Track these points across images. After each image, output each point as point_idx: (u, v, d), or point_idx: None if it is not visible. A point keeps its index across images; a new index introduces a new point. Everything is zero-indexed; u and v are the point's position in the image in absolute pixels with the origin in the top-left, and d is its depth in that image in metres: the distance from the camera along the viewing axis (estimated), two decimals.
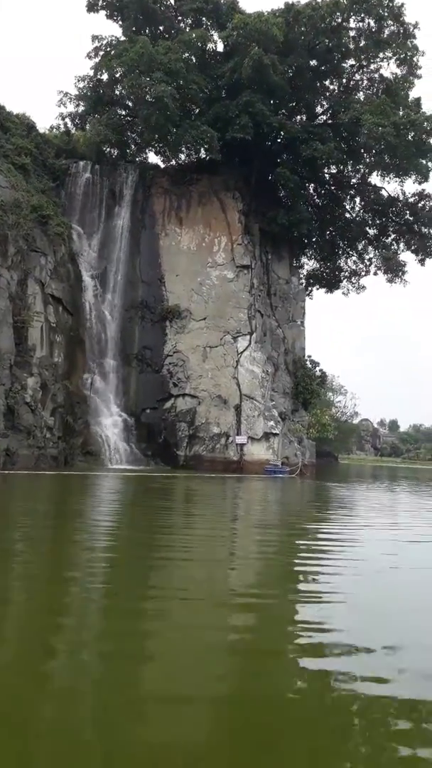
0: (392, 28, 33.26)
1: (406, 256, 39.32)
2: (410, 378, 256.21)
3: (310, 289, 44.01)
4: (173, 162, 36.55)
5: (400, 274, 36.14)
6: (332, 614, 5.79)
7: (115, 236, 33.20)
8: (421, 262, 37.50)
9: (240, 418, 30.91)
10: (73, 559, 8.15)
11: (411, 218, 37.34)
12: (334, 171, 38.93)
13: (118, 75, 34.05)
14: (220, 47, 35.47)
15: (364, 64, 36.55)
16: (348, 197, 40.68)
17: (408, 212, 37.35)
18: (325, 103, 37.67)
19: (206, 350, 31.75)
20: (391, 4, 31.64)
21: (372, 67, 36.64)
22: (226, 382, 31.31)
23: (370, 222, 40.49)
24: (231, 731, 3.46)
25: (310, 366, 37.31)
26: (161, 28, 36.07)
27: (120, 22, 35.62)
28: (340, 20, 32.53)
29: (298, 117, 38.08)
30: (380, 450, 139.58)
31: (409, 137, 31.94)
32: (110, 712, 3.64)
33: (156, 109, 29.82)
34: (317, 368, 37.81)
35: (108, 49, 33.89)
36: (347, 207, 40.55)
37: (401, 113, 30.93)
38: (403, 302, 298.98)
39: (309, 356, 38.54)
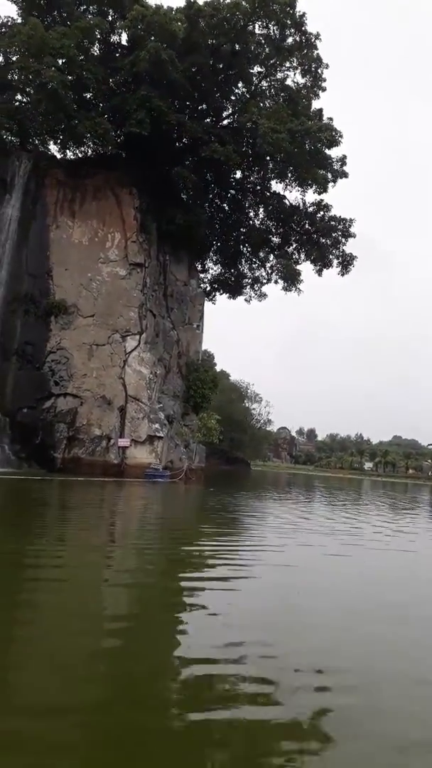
0: (295, 37, 33.42)
1: (308, 266, 39.75)
2: (331, 388, 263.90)
3: (214, 293, 43.74)
4: (71, 153, 35.32)
5: (296, 282, 36.29)
6: None
7: (2, 225, 31.48)
8: (319, 272, 37.99)
9: (124, 420, 29.89)
10: None
11: (310, 228, 37.71)
12: (239, 176, 38.81)
13: (15, 59, 32.62)
14: (127, 40, 34.63)
15: (271, 71, 36.72)
16: (253, 204, 40.71)
17: (308, 222, 37.70)
18: (230, 107, 37.48)
19: (92, 348, 30.56)
20: (292, 12, 31.75)
21: (279, 75, 36.89)
22: (111, 382, 30.22)
23: (273, 230, 40.69)
24: None
25: (203, 370, 36.79)
26: (64, 14, 34.71)
27: (20, 3, 34.02)
28: (242, 23, 32.30)
29: (207, 120, 37.70)
30: (295, 457, 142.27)
31: (307, 146, 32.24)
32: None
33: (45, 96, 28.51)
34: (210, 372, 37.33)
35: (2, 30, 32.28)
36: (251, 214, 40.56)
37: (298, 121, 31.00)
38: (327, 311, 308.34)
39: (201, 359, 38.03)
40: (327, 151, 33.08)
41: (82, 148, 35.80)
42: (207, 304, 41.80)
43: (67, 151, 35.93)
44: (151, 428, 30.07)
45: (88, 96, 32.89)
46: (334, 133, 31.62)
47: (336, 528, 16.22)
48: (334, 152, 34.76)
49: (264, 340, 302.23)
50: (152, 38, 30.37)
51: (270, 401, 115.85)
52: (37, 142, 36.28)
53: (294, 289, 36.66)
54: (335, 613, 6.99)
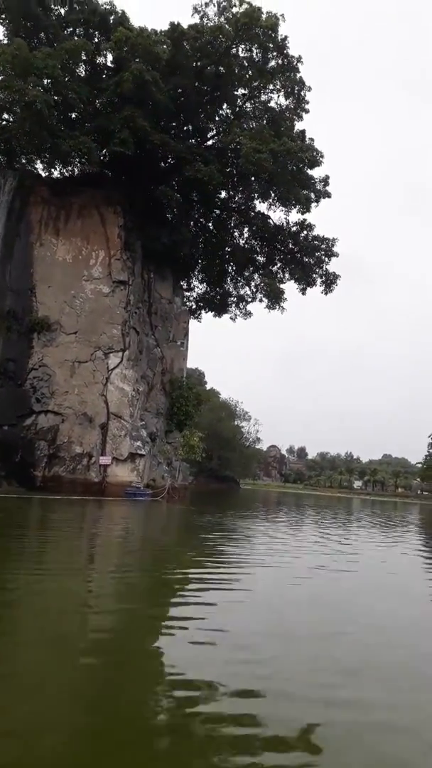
0: (278, 60, 33.98)
1: (293, 285, 39.86)
2: (322, 407, 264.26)
3: (199, 312, 43.83)
4: (57, 173, 35.60)
5: (279, 301, 36.53)
6: None
7: None
8: (303, 291, 38.16)
9: (105, 438, 29.67)
10: None
11: (294, 247, 37.98)
12: (224, 196, 39.13)
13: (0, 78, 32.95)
14: (112, 62, 35.10)
15: (255, 94, 37.23)
16: (238, 223, 41.00)
17: (291, 242, 37.98)
18: (215, 128, 37.92)
19: (75, 365, 30.44)
20: (274, 35, 32.31)
21: (263, 98, 37.39)
22: (93, 399, 30.06)
23: (258, 249, 40.93)
24: None
25: (187, 387, 36.72)
26: (51, 36, 35.15)
27: (6, 25, 34.46)
28: (225, 46, 32.82)
29: (192, 140, 38.08)
30: (285, 476, 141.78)
31: (289, 167, 32.61)
32: None
33: (29, 116, 28.72)
34: (193, 390, 37.28)
35: None
36: (236, 233, 40.80)
37: (280, 141, 31.37)
38: (324, 326, 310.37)
39: (191, 377, 37.95)
40: (309, 172, 33.51)
41: (69, 168, 36.15)
42: (198, 324, 41.85)
43: (54, 170, 36.27)
44: (132, 446, 29.86)
45: (74, 116, 33.26)
46: (315, 153, 32.05)
47: (315, 557, 15.96)
48: (317, 173, 35.30)
49: (255, 359, 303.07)
50: (137, 60, 30.78)
51: (259, 419, 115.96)
52: (24, 161, 36.56)
53: (277, 307, 36.88)
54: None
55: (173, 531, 20.75)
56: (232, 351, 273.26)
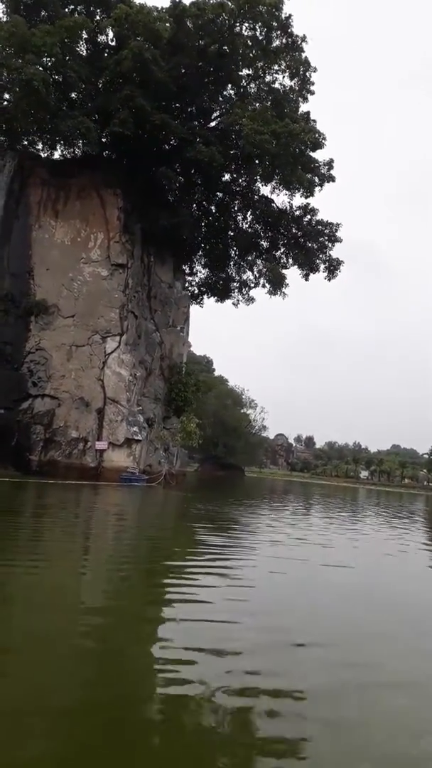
0: (281, 39, 33.19)
1: (295, 271, 39.25)
2: (332, 397, 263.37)
3: (201, 297, 43.39)
4: (58, 154, 35.14)
5: (281, 287, 36.00)
6: None
7: None
8: (306, 277, 37.55)
9: (102, 423, 29.43)
10: None
11: (297, 232, 37.33)
12: (227, 179, 38.50)
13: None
14: (111, 39, 34.48)
15: (260, 74, 36.44)
16: (241, 207, 40.36)
17: (295, 226, 37.33)
18: (218, 109, 37.23)
19: (72, 349, 30.16)
20: (278, 14, 31.52)
21: (267, 78, 36.61)
22: (90, 383, 29.79)
23: (261, 234, 40.30)
24: None
25: (186, 373, 36.35)
26: (51, 12, 34.51)
27: (5, 2, 33.89)
28: (228, 24, 32.07)
29: (195, 122, 37.41)
30: (292, 465, 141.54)
31: (292, 149, 31.91)
32: None
33: (26, 94, 28.22)
34: (192, 376, 36.90)
35: None
36: (239, 217, 40.16)
37: (282, 123, 30.68)
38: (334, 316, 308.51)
39: (183, 364, 37.53)
40: (312, 155, 32.82)
41: (71, 149, 35.60)
42: (208, 311, 41.29)
43: (55, 151, 35.75)
44: (129, 431, 29.61)
45: (74, 96, 32.70)
46: (317, 135, 31.31)
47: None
48: (321, 156, 34.64)
49: (266, 348, 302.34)
50: (138, 38, 30.13)
51: (266, 407, 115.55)
52: (26, 142, 36.08)
53: (279, 293, 36.30)
54: None
55: (160, 520, 20.49)
56: (242, 339, 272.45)
